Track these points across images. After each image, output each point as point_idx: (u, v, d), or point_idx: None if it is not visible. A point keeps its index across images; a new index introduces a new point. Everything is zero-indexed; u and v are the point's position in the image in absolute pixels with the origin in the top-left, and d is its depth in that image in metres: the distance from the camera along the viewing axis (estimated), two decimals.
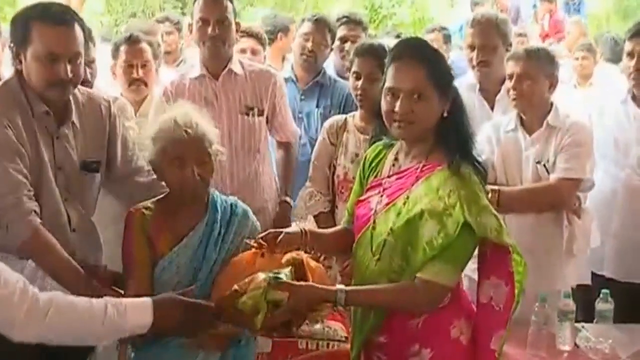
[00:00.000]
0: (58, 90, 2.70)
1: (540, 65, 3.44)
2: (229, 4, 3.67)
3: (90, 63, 3.48)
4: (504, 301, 2.37)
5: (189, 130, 2.53)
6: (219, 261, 2.58)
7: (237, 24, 3.80)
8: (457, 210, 2.28)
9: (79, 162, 2.82)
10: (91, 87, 3.44)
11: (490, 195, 3.16)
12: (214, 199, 2.68)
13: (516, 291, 2.33)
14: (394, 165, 2.53)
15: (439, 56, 2.50)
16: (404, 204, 2.39)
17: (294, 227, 2.64)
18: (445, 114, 2.41)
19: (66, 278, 2.63)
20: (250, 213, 2.77)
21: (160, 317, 2.24)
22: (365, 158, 2.69)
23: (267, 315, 2.29)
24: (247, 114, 3.76)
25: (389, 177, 2.51)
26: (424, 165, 2.42)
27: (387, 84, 2.43)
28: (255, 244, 2.49)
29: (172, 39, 5.90)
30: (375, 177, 2.58)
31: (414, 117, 2.40)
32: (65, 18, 2.66)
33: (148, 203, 2.68)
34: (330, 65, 4.81)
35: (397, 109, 2.40)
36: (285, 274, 2.36)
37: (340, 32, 4.67)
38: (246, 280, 2.34)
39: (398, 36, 6.03)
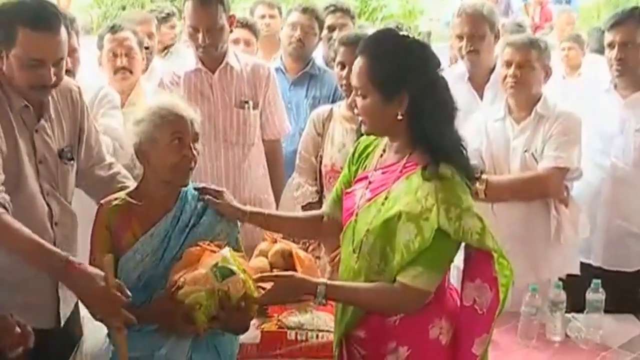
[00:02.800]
0: (40, 93, 2.66)
1: (539, 55, 3.43)
2: (219, 6, 3.61)
3: (72, 52, 3.43)
4: (488, 305, 2.32)
5: (184, 112, 2.54)
6: (183, 251, 2.53)
7: (232, 17, 3.76)
8: (432, 215, 2.20)
9: (57, 152, 2.79)
10: (73, 76, 3.41)
11: (478, 184, 3.16)
12: (186, 190, 2.64)
13: (502, 296, 2.29)
14: (381, 157, 2.47)
15: (391, 54, 2.30)
16: (383, 203, 2.33)
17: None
18: (399, 117, 2.30)
19: (34, 260, 2.53)
20: None
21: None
22: (357, 146, 2.63)
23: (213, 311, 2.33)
24: (243, 108, 3.76)
25: (375, 170, 2.45)
26: (406, 162, 2.35)
27: None
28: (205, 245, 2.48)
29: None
30: (364, 169, 2.53)
31: (359, 113, 2.38)
32: (52, 23, 2.57)
33: (121, 193, 2.66)
34: (319, 55, 4.79)
35: None
36: (229, 264, 2.36)
37: (328, 20, 4.66)
38: (187, 275, 2.36)
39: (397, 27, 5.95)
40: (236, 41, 4.51)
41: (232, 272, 2.34)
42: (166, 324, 2.47)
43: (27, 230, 2.48)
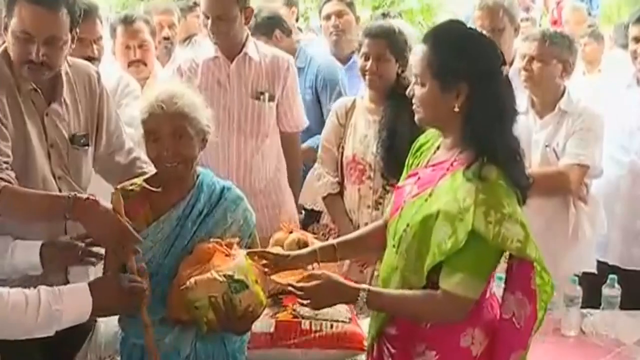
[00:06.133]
0: (29, 70, 2.61)
1: (554, 49, 3.41)
2: None
3: (97, 40, 3.44)
4: (525, 319, 2.24)
5: (164, 106, 2.48)
6: (194, 241, 2.54)
7: (249, 9, 3.73)
8: (468, 216, 2.10)
9: (69, 137, 2.78)
10: (98, 64, 3.42)
11: None
12: (202, 179, 2.63)
13: (541, 312, 2.23)
14: (434, 154, 2.41)
15: (452, 43, 2.24)
16: (426, 199, 2.26)
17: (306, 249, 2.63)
18: (456, 109, 2.22)
19: (45, 211, 2.54)
20: (245, 201, 2.69)
21: (99, 298, 2.25)
22: (417, 143, 2.55)
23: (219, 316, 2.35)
24: (258, 99, 3.75)
25: (425, 167, 2.39)
26: (454, 160, 2.26)
27: None
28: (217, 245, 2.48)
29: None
30: (418, 165, 2.47)
31: (415, 103, 2.31)
32: (52, 1, 2.55)
33: (138, 179, 2.65)
34: (314, 44, 4.81)
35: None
36: (245, 278, 2.36)
37: (325, 10, 4.74)
38: (200, 277, 2.36)
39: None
40: None
41: (247, 287, 2.35)
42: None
43: (30, 190, 2.53)
